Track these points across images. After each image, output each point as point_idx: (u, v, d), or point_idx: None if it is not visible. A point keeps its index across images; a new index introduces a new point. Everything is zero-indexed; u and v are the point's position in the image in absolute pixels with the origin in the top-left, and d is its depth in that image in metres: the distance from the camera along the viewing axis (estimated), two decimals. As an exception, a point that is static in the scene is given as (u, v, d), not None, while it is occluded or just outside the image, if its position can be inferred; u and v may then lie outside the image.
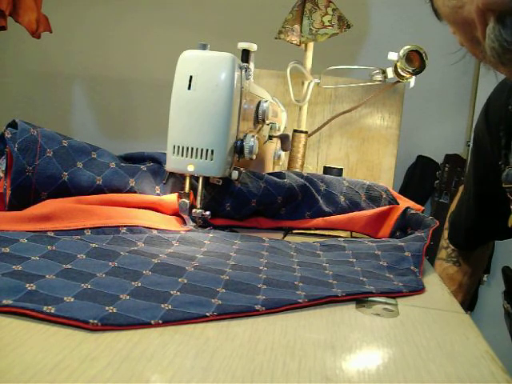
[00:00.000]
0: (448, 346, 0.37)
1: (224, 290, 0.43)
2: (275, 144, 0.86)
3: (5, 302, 0.34)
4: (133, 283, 0.41)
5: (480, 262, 1.01)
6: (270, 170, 0.86)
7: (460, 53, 0.52)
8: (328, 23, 1.07)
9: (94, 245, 0.49)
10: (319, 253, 0.60)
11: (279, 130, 0.81)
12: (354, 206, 0.76)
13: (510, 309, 0.79)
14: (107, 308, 0.36)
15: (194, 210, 0.63)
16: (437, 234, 1.03)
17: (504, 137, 0.74)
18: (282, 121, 0.93)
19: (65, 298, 0.36)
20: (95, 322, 0.33)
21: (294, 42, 1.09)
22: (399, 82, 1.11)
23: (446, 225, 1.01)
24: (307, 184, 0.74)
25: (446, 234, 1.01)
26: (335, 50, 1.44)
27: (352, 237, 0.73)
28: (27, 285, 0.37)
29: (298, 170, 1.05)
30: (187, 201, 0.63)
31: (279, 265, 0.52)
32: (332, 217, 0.74)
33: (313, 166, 1.18)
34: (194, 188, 0.65)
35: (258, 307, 0.40)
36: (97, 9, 1.84)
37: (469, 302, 1.61)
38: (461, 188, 0.98)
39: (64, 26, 1.72)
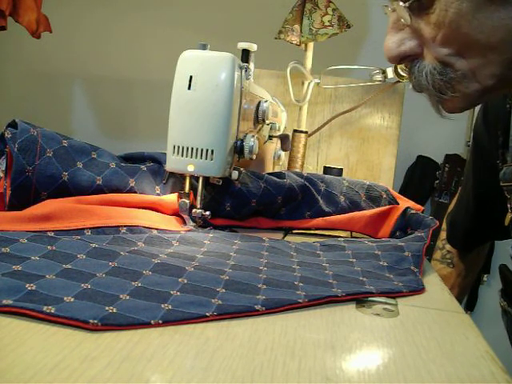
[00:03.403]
0: (448, 346, 0.37)
1: (224, 290, 0.43)
2: (275, 144, 0.86)
3: (5, 302, 0.34)
4: (133, 283, 0.41)
5: (475, 264, 1.01)
6: (270, 170, 0.86)
7: None
8: (328, 23, 1.07)
9: (93, 245, 0.49)
10: (319, 253, 0.60)
11: (279, 129, 0.81)
12: (354, 206, 0.76)
13: (507, 307, 0.79)
14: (107, 308, 0.36)
15: (194, 210, 0.63)
16: (437, 233, 1.04)
17: (502, 136, 0.74)
18: (282, 121, 0.93)
19: (65, 298, 0.36)
20: (95, 321, 0.33)
21: (294, 42, 1.09)
22: (399, 82, 1.11)
23: (444, 226, 1.01)
24: (307, 184, 0.74)
25: (442, 234, 1.02)
26: (335, 50, 1.43)
27: (352, 237, 0.73)
28: (27, 285, 0.37)
29: (297, 170, 1.05)
30: (187, 201, 0.63)
31: (279, 265, 0.52)
32: (332, 217, 0.74)
33: (313, 166, 1.18)
34: (194, 188, 0.65)
35: (258, 307, 0.40)
36: (97, 9, 1.84)
37: (466, 302, 1.62)
38: (460, 189, 0.98)
39: (64, 26, 1.71)
